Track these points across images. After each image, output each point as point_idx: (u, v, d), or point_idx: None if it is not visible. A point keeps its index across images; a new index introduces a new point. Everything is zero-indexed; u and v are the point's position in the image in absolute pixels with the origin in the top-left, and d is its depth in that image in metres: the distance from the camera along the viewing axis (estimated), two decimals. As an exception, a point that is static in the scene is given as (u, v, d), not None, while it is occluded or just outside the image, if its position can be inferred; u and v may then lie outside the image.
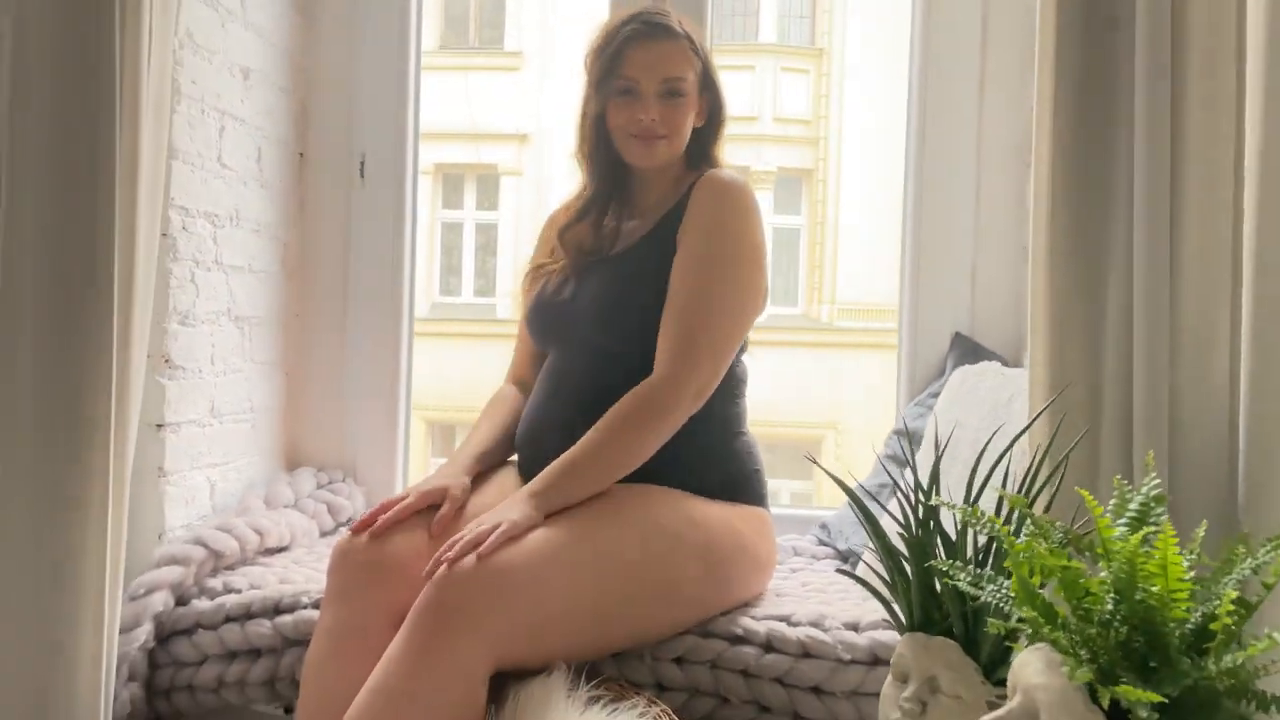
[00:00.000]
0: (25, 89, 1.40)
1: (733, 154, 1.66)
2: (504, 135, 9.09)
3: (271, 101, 1.97)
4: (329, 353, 2.10)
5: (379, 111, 2.08)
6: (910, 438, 1.74)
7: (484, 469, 1.58)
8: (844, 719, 1.40)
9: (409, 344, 2.13)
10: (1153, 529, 0.92)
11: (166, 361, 1.66)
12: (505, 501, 1.39)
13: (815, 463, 1.30)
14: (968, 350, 1.83)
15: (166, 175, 1.60)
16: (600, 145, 1.59)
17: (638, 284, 1.52)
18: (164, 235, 1.63)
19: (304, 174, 2.09)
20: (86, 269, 1.40)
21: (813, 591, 1.63)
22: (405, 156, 2.09)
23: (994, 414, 1.52)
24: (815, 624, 1.45)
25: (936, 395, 1.78)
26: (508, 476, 1.58)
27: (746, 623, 1.46)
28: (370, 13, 2.06)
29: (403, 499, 1.44)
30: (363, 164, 2.08)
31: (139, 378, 1.47)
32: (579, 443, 1.43)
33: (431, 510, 1.46)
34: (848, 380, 8.11)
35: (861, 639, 1.42)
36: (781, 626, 1.45)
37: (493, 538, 1.29)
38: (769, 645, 1.44)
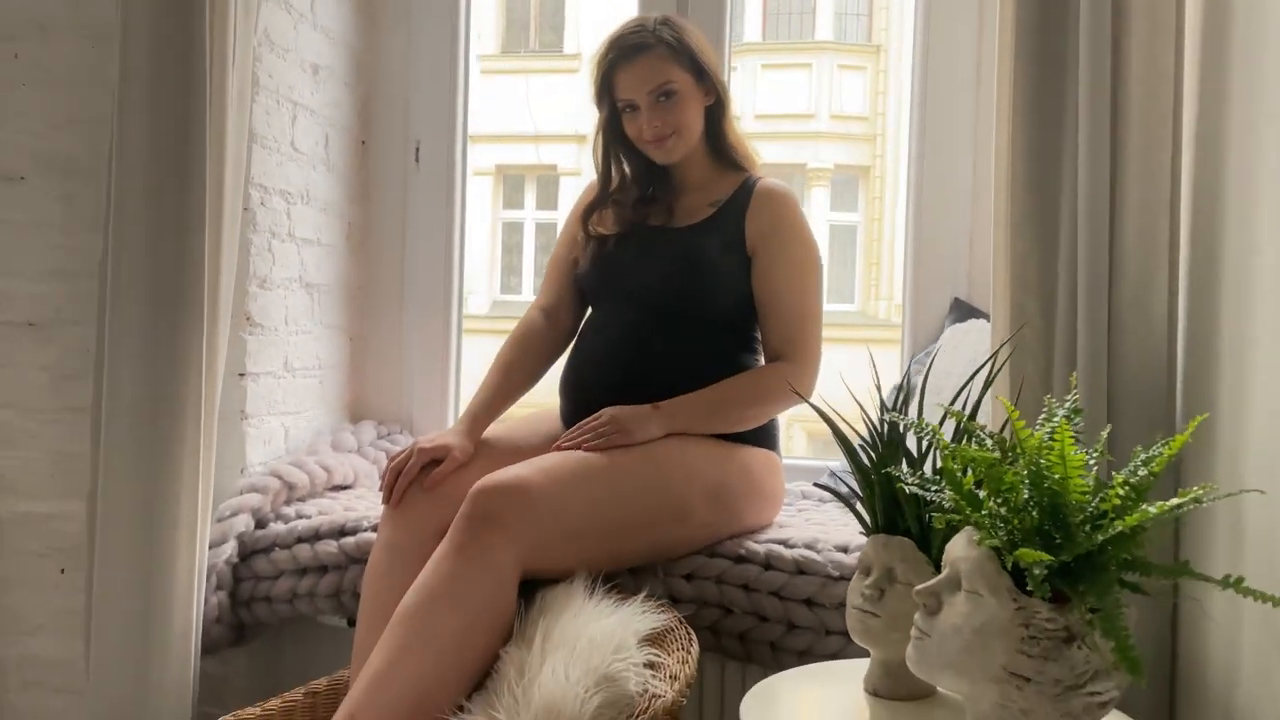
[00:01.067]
0: (130, 85, 1.62)
1: (790, 151, 1.85)
2: (563, 136, 9.26)
3: (337, 94, 2.17)
4: (388, 320, 2.29)
5: (432, 102, 2.27)
6: (902, 389, 1.90)
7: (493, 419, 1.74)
8: (832, 627, 1.56)
9: (459, 314, 2.32)
10: (1053, 425, 1.08)
11: (248, 319, 1.88)
12: (635, 410, 1.60)
13: (796, 392, 1.48)
14: (964, 312, 1.98)
15: (247, 157, 1.80)
16: (620, 152, 1.79)
17: (703, 257, 1.71)
18: (245, 209, 1.84)
19: (366, 159, 2.28)
20: (182, 237, 1.61)
21: (814, 525, 1.78)
22: (455, 145, 2.28)
23: (974, 362, 1.68)
24: (809, 546, 1.62)
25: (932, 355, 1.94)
26: (546, 423, 1.78)
27: (749, 545, 1.63)
28: (424, 13, 2.26)
29: (408, 458, 1.60)
30: (417, 150, 2.28)
31: (225, 331, 1.69)
32: (715, 388, 1.65)
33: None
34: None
35: (849, 559, 1.58)
36: (779, 548, 1.62)
37: (604, 441, 1.55)
38: (768, 564, 1.60)
